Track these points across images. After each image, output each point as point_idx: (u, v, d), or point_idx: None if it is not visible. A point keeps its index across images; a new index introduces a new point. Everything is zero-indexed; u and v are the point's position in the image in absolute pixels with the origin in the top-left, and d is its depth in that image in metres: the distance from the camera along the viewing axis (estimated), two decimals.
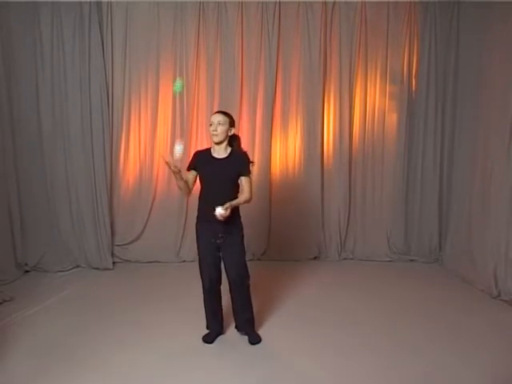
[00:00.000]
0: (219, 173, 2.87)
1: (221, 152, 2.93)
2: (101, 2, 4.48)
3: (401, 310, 3.69)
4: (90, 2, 4.38)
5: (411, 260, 5.03)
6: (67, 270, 4.48)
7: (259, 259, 4.88)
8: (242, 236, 2.99)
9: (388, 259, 5.02)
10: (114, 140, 4.70)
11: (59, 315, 3.47)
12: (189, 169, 3.00)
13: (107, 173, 4.63)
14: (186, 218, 4.87)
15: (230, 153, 2.94)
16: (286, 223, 4.91)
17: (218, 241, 2.91)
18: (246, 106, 4.81)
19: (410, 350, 3.00)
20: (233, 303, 3.10)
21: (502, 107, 4.02)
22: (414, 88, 4.94)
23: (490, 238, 4.10)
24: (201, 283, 3.03)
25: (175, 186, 4.88)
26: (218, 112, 3.01)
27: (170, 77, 4.71)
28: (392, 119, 5.00)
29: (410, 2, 4.80)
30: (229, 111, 3.04)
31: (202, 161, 2.96)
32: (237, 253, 2.94)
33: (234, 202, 2.82)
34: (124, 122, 4.72)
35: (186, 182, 2.94)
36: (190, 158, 3.03)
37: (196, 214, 3.03)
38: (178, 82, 3.06)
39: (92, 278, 4.33)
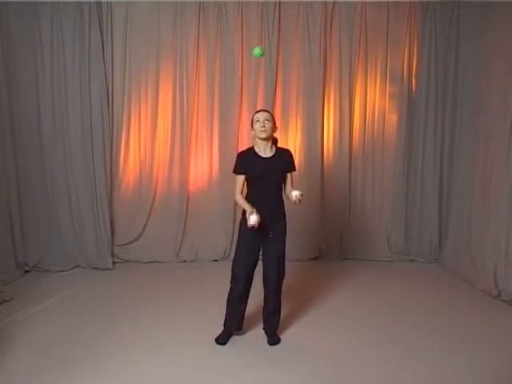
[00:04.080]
0: (269, 172, 2.87)
1: (267, 150, 2.94)
2: (101, 2, 4.48)
3: (401, 310, 3.69)
4: (90, 2, 4.38)
5: (411, 260, 5.03)
6: (67, 270, 4.48)
7: (259, 259, 4.87)
8: (285, 233, 3.04)
9: (388, 259, 5.02)
10: (114, 140, 4.70)
11: (59, 315, 3.47)
12: (239, 173, 2.94)
13: (107, 173, 4.63)
14: (186, 218, 4.88)
15: (276, 151, 2.96)
16: None
17: (266, 240, 2.95)
18: (246, 106, 4.80)
19: (409, 350, 3.00)
20: (266, 305, 3.09)
21: (502, 107, 4.02)
22: (413, 88, 4.94)
23: (490, 238, 4.11)
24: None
25: (175, 186, 4.90)
26: (262, 110, 3.03)
27: (170, 77, 4.72)
28: (392, 119, 5.00)
29: (410, 2, 4.80)
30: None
31: (249, 162, 2.91)
32: (280, 248, 3.02)
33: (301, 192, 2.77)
34: (124, 122, 4.72)
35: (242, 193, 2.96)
36: (236, 162, 2.97)
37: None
38: (257, 50, 2.93)
39: (92, 278, 4.33)
